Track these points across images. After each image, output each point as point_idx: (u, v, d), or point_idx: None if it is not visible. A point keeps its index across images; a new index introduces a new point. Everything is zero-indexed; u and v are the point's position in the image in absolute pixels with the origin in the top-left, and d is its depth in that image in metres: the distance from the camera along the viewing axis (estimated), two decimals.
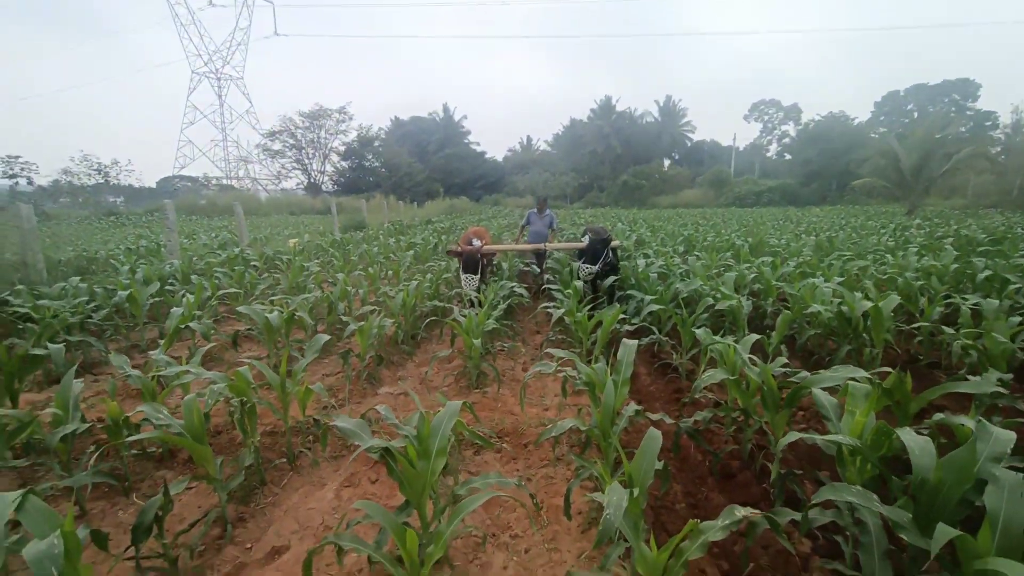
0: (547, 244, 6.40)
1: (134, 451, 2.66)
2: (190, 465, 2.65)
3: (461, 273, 5.11)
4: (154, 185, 51.05)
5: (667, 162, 56.67)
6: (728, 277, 4.71)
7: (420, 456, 1.77)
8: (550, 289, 5.32)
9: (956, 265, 5.37)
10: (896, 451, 1.67)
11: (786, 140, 63.38)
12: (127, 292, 4.44)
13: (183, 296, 4.96)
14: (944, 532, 1.21)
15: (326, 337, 3.01)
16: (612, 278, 5.28)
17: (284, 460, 2.66)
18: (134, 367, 2.96)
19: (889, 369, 2.39)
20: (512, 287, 5.10)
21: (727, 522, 1.43)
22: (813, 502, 1.51)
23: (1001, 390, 2.19)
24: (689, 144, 59.32)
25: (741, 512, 1.44)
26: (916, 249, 7.13)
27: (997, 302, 3.50)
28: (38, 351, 2.80)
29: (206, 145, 58.85)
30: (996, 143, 36.83)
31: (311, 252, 9.22)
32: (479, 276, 5.07)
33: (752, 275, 5.16)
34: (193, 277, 5.71)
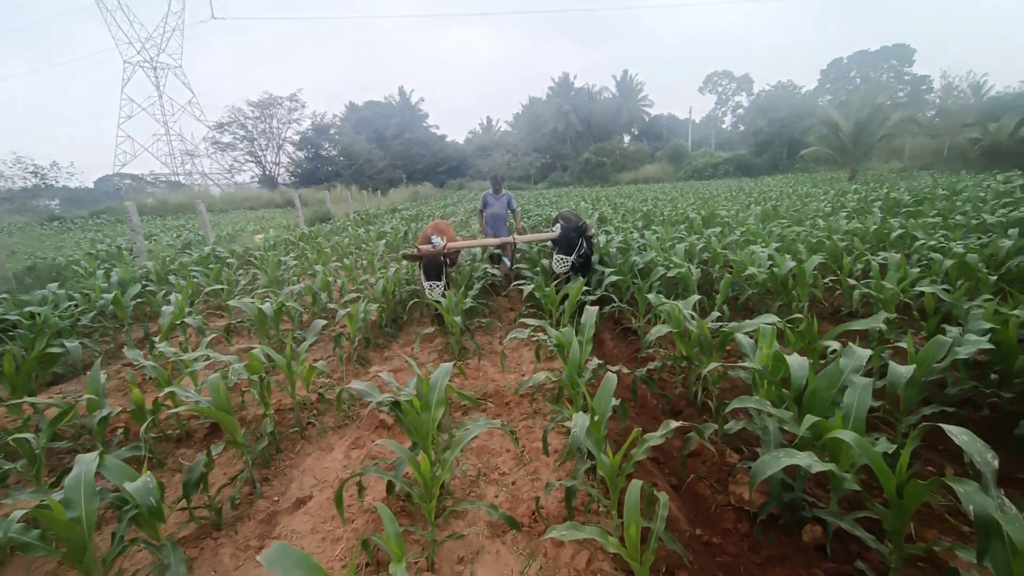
0: (515, 236, 5.48)
1: (154, 434, 2.95)
2: (205, 444, 2.96)
3: (423, 280, 4.46)
4: (92, 185, 48.22)
5: (627, 138, 57.59)
6: (679, 248, 5.23)
7: (423, 408, 2.16)
8: (520, 271, 5.50)
9: (875, 226, 6.06)
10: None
11: (739, 111, 65.40)
12: (111, 295, 4.58)
13: (165, 296, 5.12)
14: (808, 419, 1.70)
15: (323, 322, 3.33)
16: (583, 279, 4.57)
17: (295, 431, 3.00)
18: (135, 361, 3.22)
19: (800, 316, 2.93)
20: (485, 268, 5.45)
21: (663, 432, 1.89)
22: (727, 411, 1.99)
23: (882, 326, 2.75)
24: (647, 119, 60.31)
25: (674, 424, 1.91)
26: (846, 213, 7.89)
27: (898, 256, 4.12)
28: (55, 349, 3.02)
29: (148, 140, 55.98)
30: (930, 106, 39.26)
31: (281, 247, 9.29)
32: (443, 282, 4.42)
33: (701, 245, 5.70)
34: (171, 277, 5.82)
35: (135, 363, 2.90)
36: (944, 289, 3.29)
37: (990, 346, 2.25)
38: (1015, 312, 2.59)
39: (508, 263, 6.48)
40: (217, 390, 2.35)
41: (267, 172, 50.45)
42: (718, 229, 6.91)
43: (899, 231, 5.65)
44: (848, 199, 11.00)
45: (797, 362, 1.95)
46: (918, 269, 4.24)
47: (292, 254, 8.12)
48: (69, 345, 3.16)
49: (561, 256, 4.84)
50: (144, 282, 5.89)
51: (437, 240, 4.60)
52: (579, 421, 1.90)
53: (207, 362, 3.03)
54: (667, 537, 1.72)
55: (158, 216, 26.53)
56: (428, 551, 1.95)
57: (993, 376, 2.62)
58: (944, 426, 1.40)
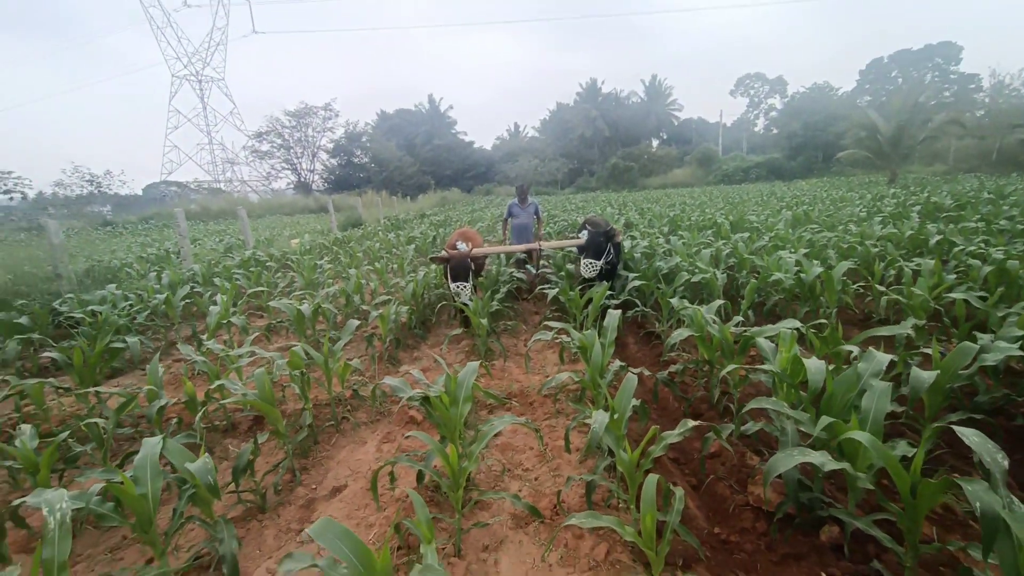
0: (540, 243, 5.52)
1: (203, 424, 3.18)
2: (250, 435, 3.18)
3: (450, 282, 4.54)
4: (140, 192, 50.86)
5: (655, 142, 57.08)
6: (704, 253, 5.23)
7: (451, 403, 2.30)
8: (546, 275, 5.57)
9: (911, 232, 5.90)
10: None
11: (773, 114, 63.73)
12: (163, 296, 4.92)
13: (211, 297, 5.45)
14: (824, 420, 1.74)
15: (357, 322, 3.52)
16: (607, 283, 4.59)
17: (331, 424, 3.18)
18: (183, 356, 3.47)
19: (825, 321, 2.93)
20: (512, 272, 5.57)
21: (681, 430, 1.96)
22: (745, 411, 2.05)
23: (910, 332, 2.73)
24: (676, 123, 59.62)
25: (692, 423, 1.97)
26: (881, 218, 7.67)
27: (932, 262, 4.03)
28: (117, 344, 3.30)
29: (192, 149, 58.78)
30: (979, 106, 37.41)
31: (316, 251, 9.67)
32: (471, 283, 4.49)
33: (728, 250, 5.68)
34: (216, 280, 6.17)
35: (188, 358, 3.14)
36: (979, 296, 3.22)
37: (1020, 353, 2.22)
38: None
39: (533, 270, 6.44)
40: (263, 384, 2.54)
41: (302, 179, 52.20)
42: (746, 234, 6.85)
43: (937, 237, 5.48)
44: (885, 203, 10.66)
45: (815, 365, 1.99)
46: (955, 276, 4.14)
47: (326, 258, 8.46)
48: (130, 340, 3.46)
49: (590, 260, 4.75)
50: (191, 284, 6.26)
51: (463, 246, 4.69)
52: (599, 418, 1.99)
53: (252, 358, 3.25)
54: (682, 530, 1.79)
55: (200, 221, 27.80)
56: (455, 538, 2.07)
57: None
58: (955, 427, 1.44)
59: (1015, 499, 1.23)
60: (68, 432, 2.30)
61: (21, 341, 4.10)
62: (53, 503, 1.49)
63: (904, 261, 4.69)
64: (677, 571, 1.80)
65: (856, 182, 25.64)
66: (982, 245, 5.05)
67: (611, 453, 2.35)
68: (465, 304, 4.29)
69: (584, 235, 4.96)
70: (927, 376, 2.06)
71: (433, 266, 6.05)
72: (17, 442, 2.10)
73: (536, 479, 2.62)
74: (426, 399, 2.29)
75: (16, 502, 1.59)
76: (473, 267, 4.69)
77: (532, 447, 2.94)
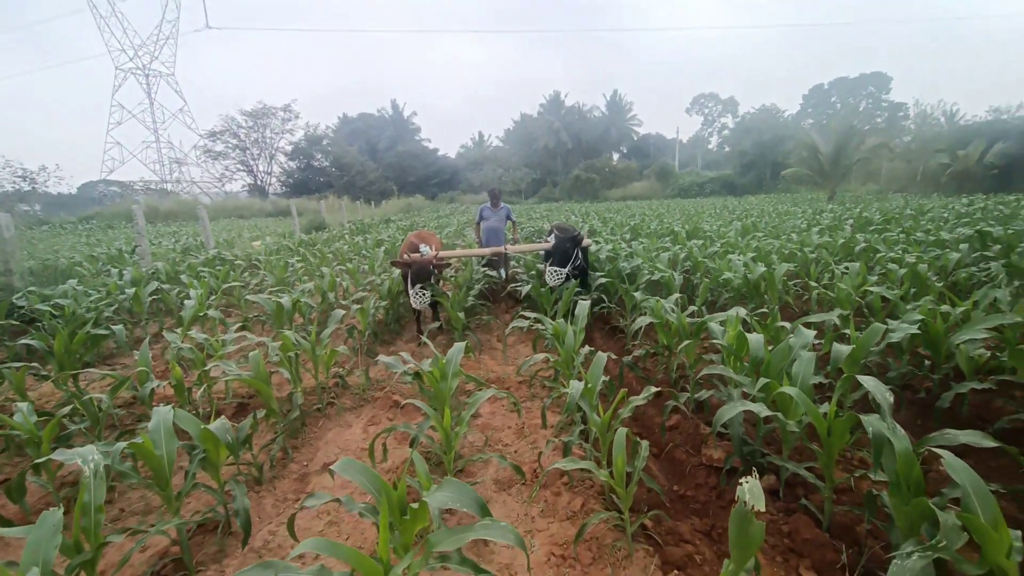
0: (507, 247, 5.57)
1: (189, 411, 3.25)
2: (239, 417, 3.27)
3: (410, 287, 4.34)
4: (75, 191, 47.57)
5: (616, 156, 58.94)
6: (664, 257, 5.67)
7: (441, 378, 2.52)
8: (517, 275, 5.81)
9: (843, 240, 6.59)
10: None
11: (725, 132, 67.29)
12: (132, 291, 4.86)
13: (179, 294, 5.40)
14: (762, 381, 2.10)
15: (342, 312, 3.68)
16: (578, 289, 4.71)
17: (317, 409, 3.32)
18: (157, 349, 3.52)
19: (766, 310, 3.35)
20: (484, 270, 5.82)
21: (645, 395, 2.27)
22: (697, 376, 2.38)
23: (836, 321, 3.18)
24: (636, 138, 61.82)
25: (654, 389, 2.29)
26: (819, 229, 8.46)
27: (858, 265, 4.60)
28: (100, 331, 3.32)
29: (137, 147, 55.75)
30: (906, 132, 40.97)
31: (282, 253, 9.58)
32: (429, 291, 4.35)
33: (684, 255, 6.16)
34: (182, 277, 6.09)
35: (172, 344, 3.20)
36: (888, 289, 3.75)
37: (917, 331, 2.68)
38: (944, 308, 3.04)
39: (504, 274, 6.53)
40: (257, 364, 2.68)
41: (258, 181, 50.55)
42: (700, 241, 7.40)
43: (863, 244, 6.17)
44: (823, 217, 11.64)
45: (755, 339, 2.37)
46: (876, 277, 4.72)
47: (296, 258, 8.43)
48: (115, 327, 3.46)
49: (555, 268, 4.64)
50: (155, 281, 6.15)
51: (425, 249, 4.58)
52: (575, 386, 2.27)
53: (236, 346, 3.35)
54: (646, 478, 2.10)
55: (148, 222, 26.48)
56: None
57: (927, 363, 3.06)
58: (859, 377, 1.81)
59: (898, 425, 1.59)
60: (69, 408, 2.35)
61: None
62: (86, 455, 1.62)
63: (835, 265, 5.27)
64: (643, 516, 2.09)
65: (800, 198, 27.51)
66: (900, 252, 5.74)
67: (584, 421, 2.64)
68: (424, 308, 4.26)
69: (552, 239, 4.87)
70: (845, 349, 2.47)
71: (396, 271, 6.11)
72: (17, 416, 2.16)
73: (516, 452, 2.87)
74: (418, 375, 2.51)
75: (49, 457, 1.70)
76: (437, 270, 4.56)
77: (511, 426, 3.19)
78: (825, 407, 2.19)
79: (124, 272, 6.09)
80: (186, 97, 58.97)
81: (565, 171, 50.63)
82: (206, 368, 2.79)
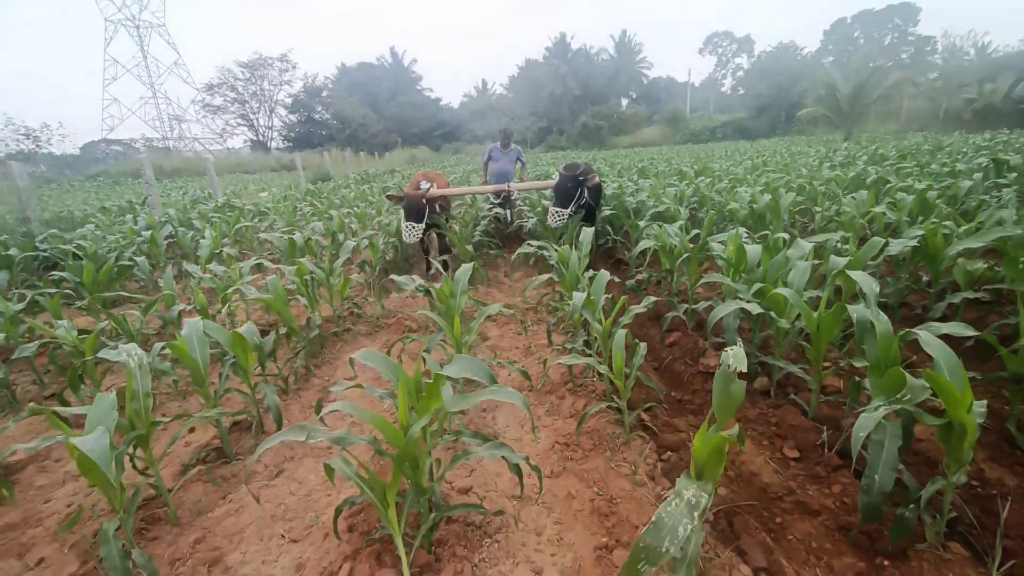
0: (510, 184, 5.40)
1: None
2: None
3: (403, 221, 4.34)
4: (78, 151, 47.08)
5: (625, 102, 56.81)
6: (670, 191, 5.65)
7: (450, 295, 2.65)
8: (521, 223, 5.72)
9: (854, 174, 6.48)
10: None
11: (740, 74, 64.25)
12: (149, 233, 4.99)
13: (193, 237, 5.53)
14: (758, 287, 2.19)
15: (353, 242, 3.79)
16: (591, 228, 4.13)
17: (334, 334, 3.50)
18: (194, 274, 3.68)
19: (767, 232, 3.39)
20: (491, 207, 5.85)
21: (644, 304, 2.38)
22: (696, 285, 2.48)
23: (839, 242, 3.22)
24: (646, 82, 59.34)
25: (652, 298, 2.40)
26: (830, 165, 8.28)
27: (865, 193, 4.57)
28: (125, 263, 3.47)
29: (134, 103, 54.73)
30: (933, 68, 38.83)
31: (290, 200, 9.63)
32: (423, 226, 4.32)
33: (691, 191, 6.12)
34: (195, 222, 6.21)
35: (194, 275, 3.36)
36: (895, 212, 3.76)
37: (916, 244, 2.73)
38: (947, 223, 3.07)
39: (509, 216, 6.47)
40: (276, 288, 2.82)
41: (259, 136, 49.74)
42: (708, 179, 7.32)
43: (874, 176, 6.07)
44: (836, 155, 11.34)
45: (753, 250, 2.44)
46: (883, 206, 4.70)
47: (304, 203, 8.50)
48: (138, 259, 3.62)
49: (556, 209, 4.40)
50: (169, 226, 6.27)
51: (426, 186, 4.53)
52: (578, 297, 2.38)
53: (253, 276, 3.49)
54: (643, 376, 2.24)
55: (155, 178, 26.44)
56: None
57: (924, 279, 3.12)
58: (849, 271, 1.89)
59: (881, 312, 1.68)
60: (106, 322, 2.53)
61: (9, 273, 4.16)
62: (130, 351, 1.78)
63: (844, 196, 5.23)
64: (641, 408, 2.26)
65: (815, 140, 26.62)
66: (912, 182, 5.65)
67: (587, 332, 2.78)
68: (410, 243, 4.32)
69: (556, 178, 4.63)
70: (841, 260, 2.54)
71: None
72: (61, 329, 2.34)
73: (523, 367, 3.04)
74: (428, 292, 2.64)
75: (96, 356, 1.86)
76: (428, 209, 4.45)
77: (518, 346, 3.36)
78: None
79: (138, 218, 6.20)
80: (180, 50, 57.12)
81: (572, 119, 49.12)
82: (227, 291, 2.94)
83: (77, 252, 4.46)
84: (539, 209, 5.56)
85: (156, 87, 55.20)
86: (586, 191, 4.58)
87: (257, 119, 49.58)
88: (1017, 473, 1.81)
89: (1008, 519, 1.53)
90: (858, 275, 1.83)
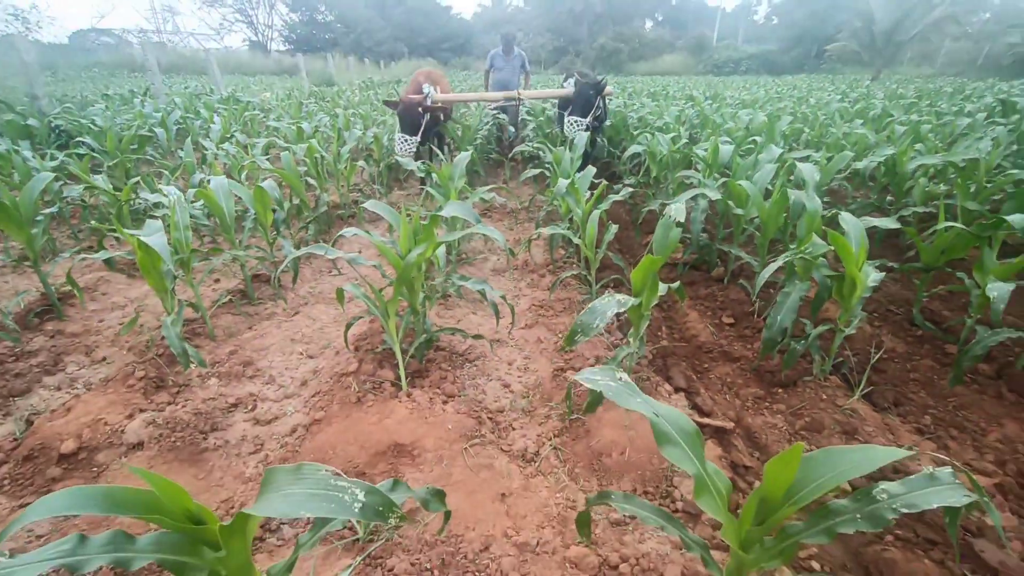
0: (520, 92, 4.92)
1: None
2: None
3: (396, 133, 3.84)
4: (66, 41, 44.37)
5: (649, 23, 53.06)
6: (672, 111, 5.69)
7: (449, 178, 2.90)
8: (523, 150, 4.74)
9: (858, 106, 6.46)
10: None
11: (776, 0, 59.33)
12: (159, 115, 5.11)
13: (202, 125, 5.64)
14: (721, 179, 2.44)
15: (358, 132, 3.96)
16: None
17: (339, 216, 3.78)
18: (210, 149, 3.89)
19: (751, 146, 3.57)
20: (493, 113, 5.86)
21: (622, 191, 2.64)
22: (668, 183, 2.74)
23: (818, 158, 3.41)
24: (673, 2, 55.00)
25: (629, 189, 2.66)
26: (840, 98, 8.16)
27: (862, 123, 4.66)
28: (145, 132, 3.68)
29: None
30: (987, 8, 35.91)
31: (294, 98, 9.51)
32: (418, 139, 3.83)
33: (695, 112, 6.14)
34: (202, 111, 6.27)
35: (209, 150, 3.58)
36: (876, 134, 3.92)
37: (882, 161, 2.95)
38: (917, 147, 3.26)
39: (513, 130, 6.15)
40: (288, 161, 3.06)
41: (259, 36, 46.91)
42: (716, 105, 7.26)
43: (878, 111, 6.08)
44: (853, 93, 11.03)
45: (726, 149, 2.67)
46: (874, 134, 4.81)
47: (309, 101, 8.45)
48: (157, 130, 3.82)
49: (576, 119, 4.08)
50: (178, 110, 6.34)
51: (429, 89, 4.02)
52: (563, 182, 2.64)
53: (265, 155, 3.71)
54: (613, 255, 2.56)
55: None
56: (451, 267, 2.82)
57: (889, 199, 3.36)
58: (797, 163, 2.14)
59: (815, 196, 1.96)
60: (135, 180, 2.80)
61: (30, 142, 4.36)
62: (169, 192, 2.07)
63: (845, 124, 5.31)
64: (609, 287, 2.60)
65: (841, 79, 25.36)
66: (912, 117, 5.69)
67: (571, 220, 3.06)
68: (409, 164, 3.46)
69: (569, 85, 4.37)
70: (810, 169, 2.77)
71: None
72: (100, 179, 2.61)
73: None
74: (428, 173, 2.89)
75: (141, 196, 2.15)
76: (441, 117, 4.03)
77: (508, 239, 3.65)
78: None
79: (146, 103, 6.25)
80: None
81: (591, 39, 46.06)
82: (251, 160, 3.18)
83: (92, 126, 4.62)
84: (541, 119, 5.61)
85: None
86: (604, 101, 4.35)
87: (256, 15, 46.49)
88: (909, 343, 2.18)
89: (880, 366, 1.92)
90: (804, 166, 2.09)
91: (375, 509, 0.65)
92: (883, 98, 9.44)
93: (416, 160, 3.52)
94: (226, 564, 0.70)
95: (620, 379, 0.94)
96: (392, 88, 14.70)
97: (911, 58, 27.03)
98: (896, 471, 1.46)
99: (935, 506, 0.73)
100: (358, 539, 1.28)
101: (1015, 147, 4.55)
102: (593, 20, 49.24)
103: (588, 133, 3.71)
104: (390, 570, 1.19)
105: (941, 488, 0.76)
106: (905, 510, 0.75)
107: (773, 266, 1.65)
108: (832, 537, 0.78)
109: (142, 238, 1.61)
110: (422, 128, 3.87)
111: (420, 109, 3.84)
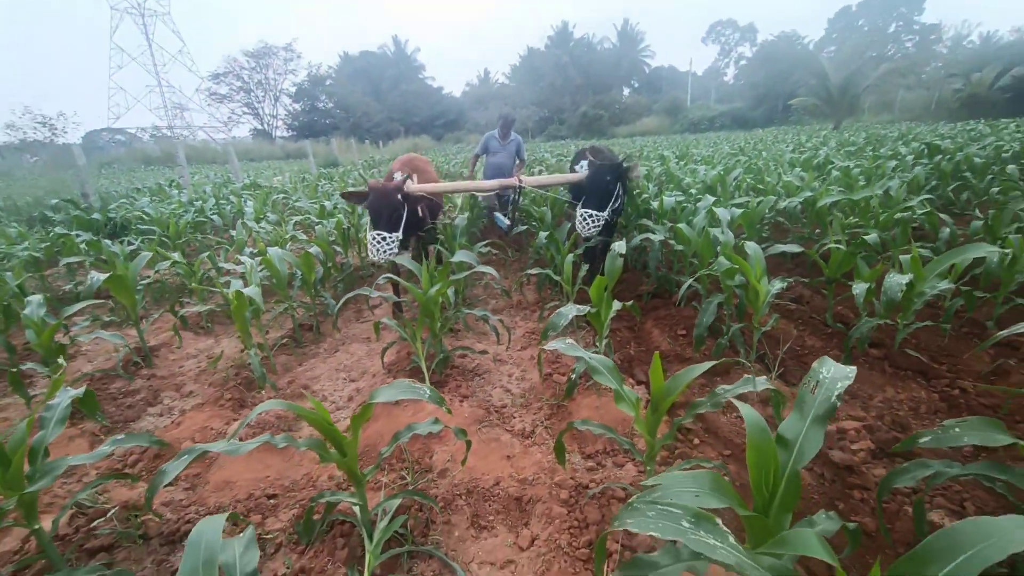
0: (521, 178, 3.55)
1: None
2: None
3: (368, 230, 2.96)
4: (79, 140, 47.53)
5: (626, 91, 57.29)
6: (641, 170, 6.56)
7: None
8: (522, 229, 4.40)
9: (805, 155, 7.39)
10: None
11: (743, 63, 64.40)
12: (200, 203, 5.95)
13: (230, 209, 6.48)
14: (668, 224, 3.14)
15: None
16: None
17: (361, 277, 4.47)
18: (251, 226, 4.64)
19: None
20: (484, 203, 6.71)
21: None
22: (631, 233, 3.43)
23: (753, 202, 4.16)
24: (647, 71, 59.69)
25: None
26: (792, 149, 9.18)
27: (799, 170, 5.48)
28: (202, 218, 4.44)
29: (140, 91, 55.43)
30: (936, 57, 39.17)
31: (307, 181, 10.58)
32: (399, 234, 2.88)
33: (660, 169, 7.04)
34: (230, 198, 7.17)
35: (253, 230, 4.34)
36: (808, 182, 4.71)
37: (800, 200, 3.67)
38: (832, 188, 4.00)
39: (508, 221, 4.55)
40: (323, 234, 3.78)
41: (264, 125, 50.54)
42: (683, 162, 8.22)
43: (818, 159, 6.99)
44: (809, 143, 12.21)
45: (670, 200, 3.39)
46: (814, 180, 5.62)
47: (322, 181, 9.45)
48: (212, 216, 4.59)
49: (590, 212, 3.09)
50: (212, 198, 7.24)
51: (403, 177, 3.14)
52: (543, 234, 3.34)
53: (295, 231, 4.45)
54: (585, 288, 3.20)
55: (166, 166, 27.36)
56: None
57: (817, 231, 4.06)
58: (714, 208, 2.84)
59: (729, 232, 2.63)
60: (206, 254, 3.50)
61: (92, 232, 5.14)
62: (245, 259, 2.74)
63: (788, 170, 6.16)
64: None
65: (805, 130, 27.27)
66: (850, 163, 6.57)
67: (553, 261, 3.72)
68: (381, 264, 2.93)
69: (583, 168, 3.42)
70: (724, 212, 3.45)
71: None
72: (177, 255, 3.30)
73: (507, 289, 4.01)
74: (399, 305, 3.60)
75: (221, 264, 2.82)
76: (421, 213, 3.31)
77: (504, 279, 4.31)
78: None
79: (181, 194, 7.15)
80: (184, 38, 57.60)
81: (573, 108, 49.63)
82: (285, 236, 3.90)
83: (143, 215, 5.43)
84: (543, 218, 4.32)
85: (160, 75, 55.86)
86: (621, 188, 3.27)
87: (262, 108, 50.36)
88: (822, 339, 2.77)
89: (801, 359, 2.51)
90: (719, 210, 2.79)
91: (437, 398, 1.25)
92: (834, 146, 10.53)
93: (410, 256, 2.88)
94: (346, 464, 1.29)
95: (569, 343, 1.55)
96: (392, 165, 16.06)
97: (870, 106, 29.24)
98: None
99: (739, 392, 1.33)
100: (408, 483, 1.82)
101: (934, 182, 5.37)
102: (574, 91, 53.28)
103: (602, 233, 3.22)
104: (436, 495, 1.73)
105: (745, 384, 1.36)
106: (731, 399, 1.33)
107: (688, 283, 2.28)
108: (694, 413, 1.37)
109: (243, 291, 2.25)
110: (403, 220, 2.94)
111: (399, 196, 2.96)
